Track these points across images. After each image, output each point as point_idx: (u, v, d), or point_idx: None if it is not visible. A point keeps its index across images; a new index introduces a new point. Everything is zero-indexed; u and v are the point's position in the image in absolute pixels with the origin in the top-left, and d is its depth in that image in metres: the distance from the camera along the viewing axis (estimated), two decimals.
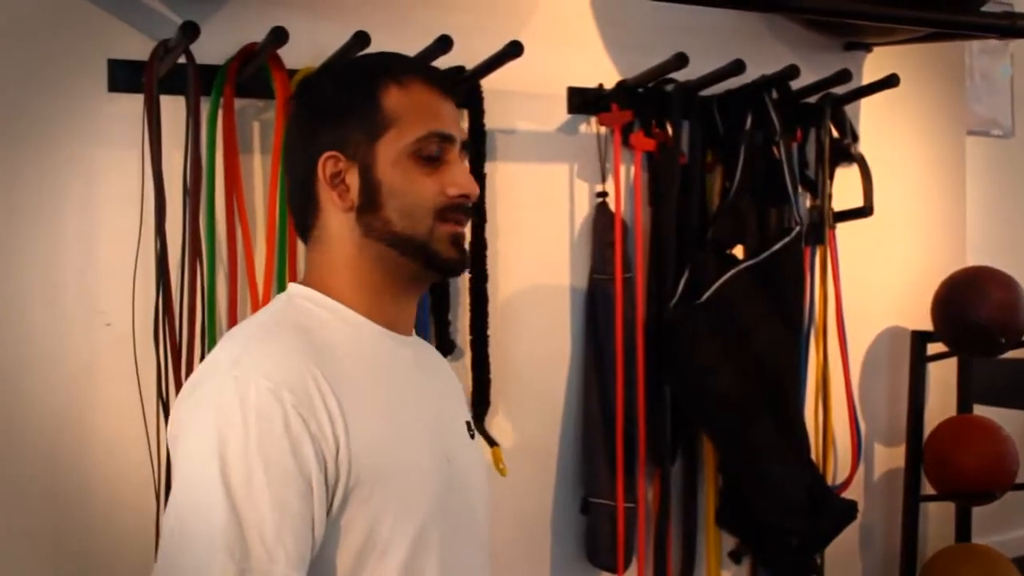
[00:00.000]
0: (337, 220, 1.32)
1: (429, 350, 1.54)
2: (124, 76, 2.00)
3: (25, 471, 1.96)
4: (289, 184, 1.38)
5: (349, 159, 1.30)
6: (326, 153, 1.30)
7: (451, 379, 1.53)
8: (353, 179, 1.30)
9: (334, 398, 1.20)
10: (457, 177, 1.32)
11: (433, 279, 1.39)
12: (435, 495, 1.28)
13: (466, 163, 1.38)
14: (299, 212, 1.36)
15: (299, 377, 1.19)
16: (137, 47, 2.00)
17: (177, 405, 1.25)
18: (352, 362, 1.27)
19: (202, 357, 1.97)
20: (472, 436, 1.46)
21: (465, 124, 2.28)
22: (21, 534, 1.95)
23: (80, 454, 2.00)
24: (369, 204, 1.30)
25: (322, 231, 1.33)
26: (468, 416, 1.50)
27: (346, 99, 1.32)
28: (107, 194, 2.01)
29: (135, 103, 1.98)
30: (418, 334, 2.14)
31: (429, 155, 1.30)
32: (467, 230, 2.18)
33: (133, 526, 2.00)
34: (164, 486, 1.94)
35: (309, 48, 2.07)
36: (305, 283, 1.35)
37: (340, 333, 1.29)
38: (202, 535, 1.13)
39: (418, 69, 1.35)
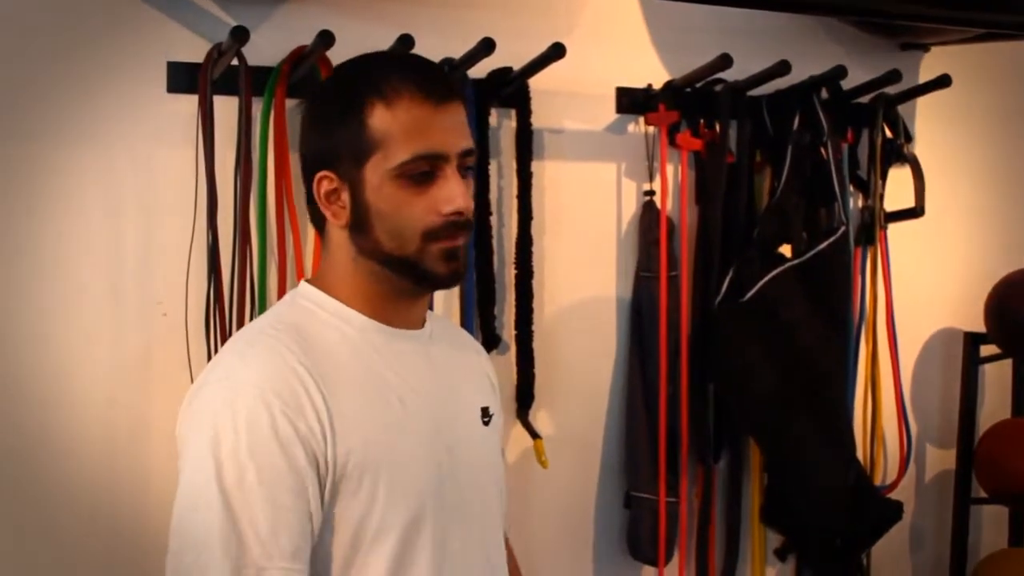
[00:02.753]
0: (337, 234, 1.37)
1: (451, 337, 1.55)
2: (182, 77, 2.09)
3: (85, 452, 2.06)
4: (305, 187, 1.40)
5: (341, 179, 1.32)
6: (320, 173, 1.34)
7: (469, 365, 1.54)
8: (347, 197, 1.33)
9: (320, 395, 1.26)
10: (448, 194, 1.30)
11: (428, 291, 1.41)
12: (429, 487, 1.33)
13: (470, 171, 1.37)
14: (311, 216, 1.41)
15: (285, 381, 1.25)
16: (195, 50, 2.09)
17: (182, 410, 1.31)
18: (346, 360, 1.32)
19: None
20: (487, 423, 1.49)
21: (513, 123, 2.33)
22: (80, 511, 2.05)
23: (137, 437, 2.09)
24: (359, 225, 1.33)
25: (328, 239, 1.39)
26: (488, 401, 1.52)
27: (335, 116, 1.33)
28: (165, 189, 2.10)
29: (192, 103, 2.07)
30: (464, 328, 2.21)
31: (418, 175, 1.30)
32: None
33: None
34: None
35: (358, 50, 2.09)
36: (313, 282, 1.40)
37: (338, 332, 1.34)
38: (201, 534, 1.20)
39: (408, 80, 1.31)
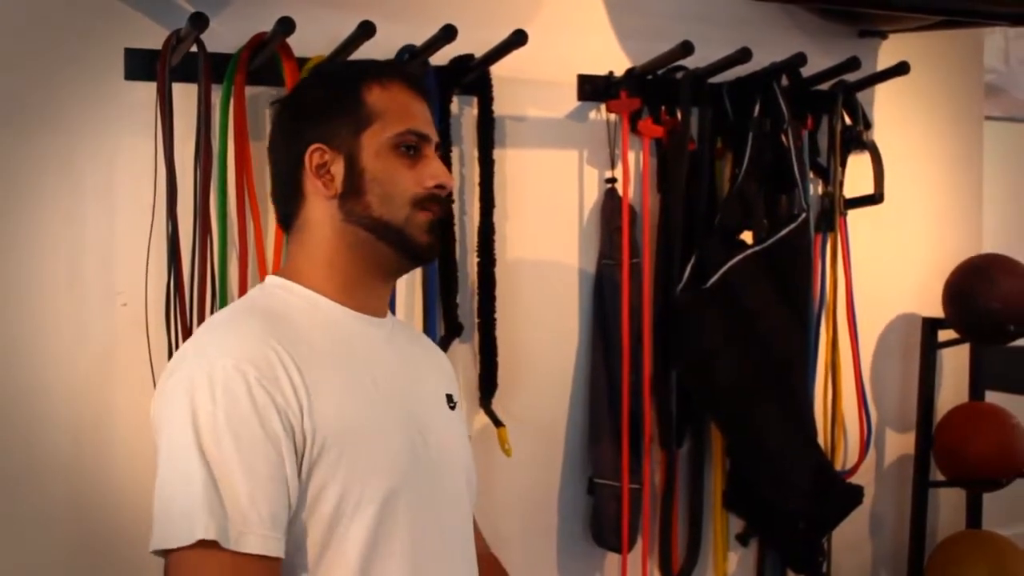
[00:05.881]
0: (319, 208, 1.43)
1: (408, 330, 1.66)
2: (140, 65, 2.06)
3: (48, 446, 2.04)
4: (273, 181, 1.49)
5: (335, 150, 1.42)
6: (313, 146, 1.42)
7: (432, 355, 1.63)
8: (338, 168, 1.42)
9: (296, 370, 1.30)
10: (434, 169, 1.43)
11: (404, 265, 1.47)
12: (403, 462, 1.37)
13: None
14: (282, 204, 1.48)
15: (261, 353, 1.29)
16: (154, 36, 2.06)
17: (157, 390, 1.35)
18: (318, 339, 1.37)
19: None
20: (453, 408, 1.55)
21: (475, 111, 2.33)
22: (45, 506, 2.03)
23: (100, 429, 2.07)
24: (352, 190, 1.41)
25: (304, 220, 1.45)
26: (452, 389, 1.59)
27: (331, 97, 1.44)
28: (124, 178, 2.08)
29: (150, 91, 2.04)
30: (426, 316, 2.23)
31: (407, 148, 1.42)
32: (471, 217, 2.25)
33: (149, 497, 2.02)
34: None
35: (319, 37, 2.12)
36: (281, 274, 1.46)
37: (307, 315, 1.40)
38: (186, 499, 1.23)
39: (397, 73, 1.47)
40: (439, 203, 1.44)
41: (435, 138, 1.47)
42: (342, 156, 1.42)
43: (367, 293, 1.45)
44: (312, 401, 1.30)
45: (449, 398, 1.54)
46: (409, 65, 1.91)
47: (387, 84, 1.44)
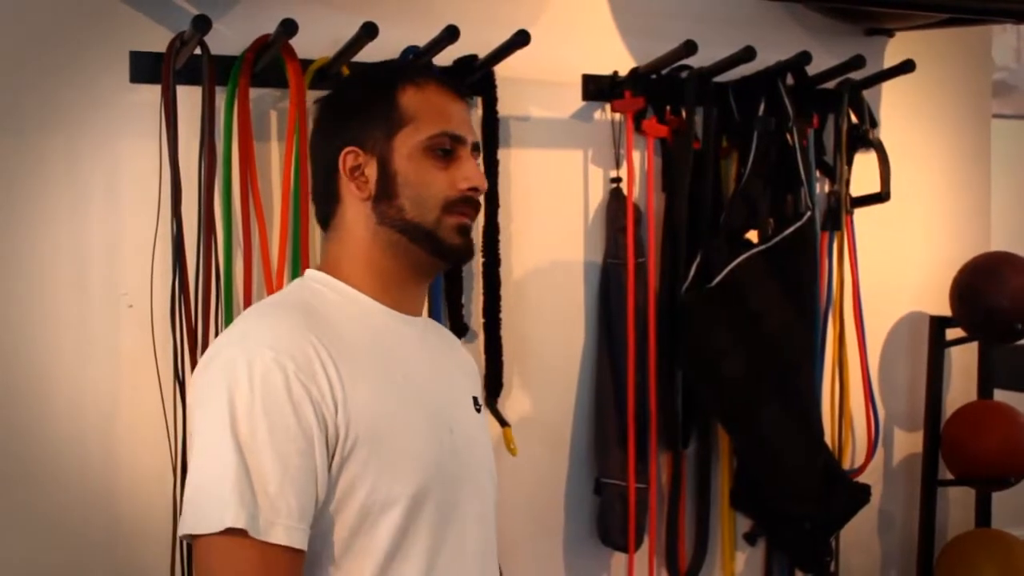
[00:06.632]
0: (354, 210, 1.45)
1: (440, 331, 1.66)
2: (145, 67, 2.08)
3: (54, 445, 2.05)
4: (313, 180, 1.51)
5: (368, 153, 1.43)
6: (347, 148, 1.44)
7: (461, 357, 1.64)
8: (371, 171, 1.43)
9: (333, 365, 1.31)
10: (467, 171, 1.43)
11: (439, 266, 1.49)
12: (433, 458, 1.38)
13: (479, 161, 1.49)
14: (321, 204, 1.49)
15: (300, 347, 1.31)
16: (158, 39, 2.08)
17: (194, 376, 1.37)
18: (354, 335, 1.38)
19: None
20: (479, 411, 1.57)
21: (479, 112, 2.33)
22: (50, 506, 2.05)
23: (105, 429, 2.09)
24: (384, 193, 1.43)
25: (340, 220, 1.46)
26: (477, 393, 1.60)
27: (366, 99, 1.46)
28: (129, 180, 2.10)
29: (155, 93, 2.06)
30: (431, 317, 2.23)
31: (441, 151, 1.42)
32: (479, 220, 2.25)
33: (154, 496, 2.09)
34: (181, 460, 2.02)
35: (323, 38, 2.14)
36: (320, 269, 1.48)
37: (345, 311, 1.42)
38: (218, 486, 1.24)
39: (433, 74, 1.49)
40: (472, 205, 1.44)
41: (472, 139, 1.46)
42: (375, 159, 1.43)
43: (402, 292, 1.46)
44: (347, 396, 1.31)
45: (475, 400, 1.56)
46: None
47: (422, 85, 1.44)
